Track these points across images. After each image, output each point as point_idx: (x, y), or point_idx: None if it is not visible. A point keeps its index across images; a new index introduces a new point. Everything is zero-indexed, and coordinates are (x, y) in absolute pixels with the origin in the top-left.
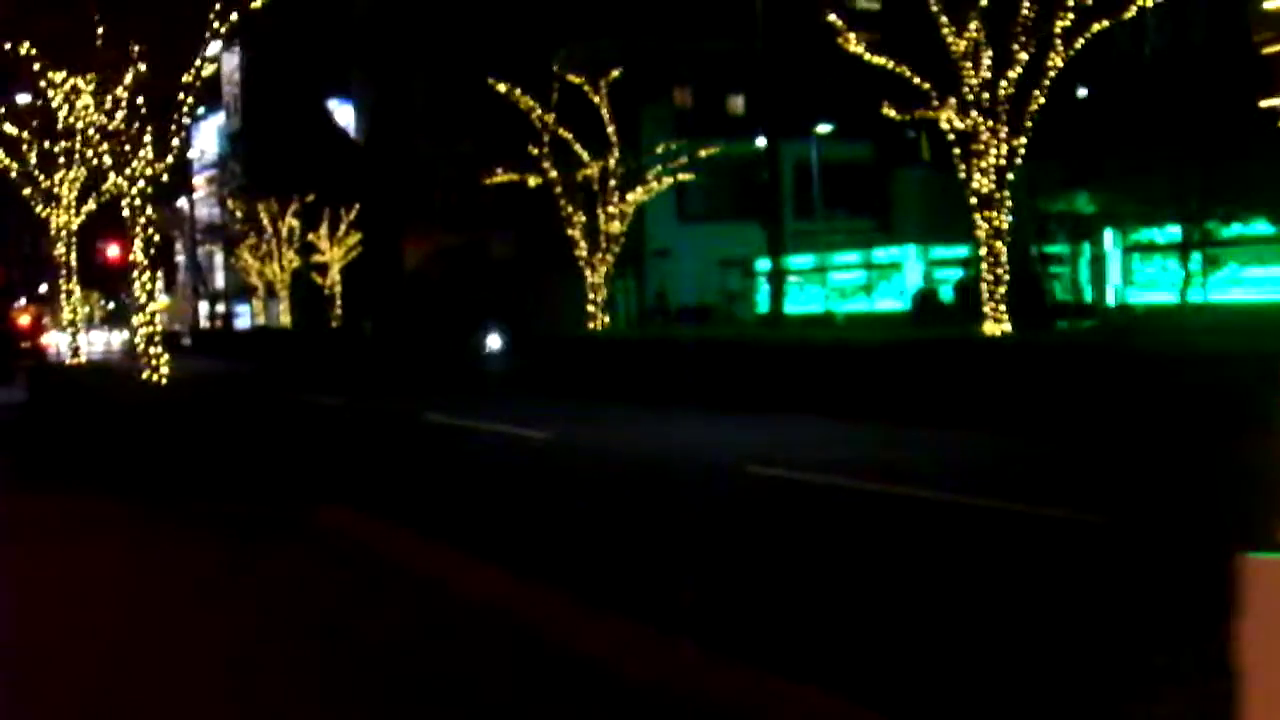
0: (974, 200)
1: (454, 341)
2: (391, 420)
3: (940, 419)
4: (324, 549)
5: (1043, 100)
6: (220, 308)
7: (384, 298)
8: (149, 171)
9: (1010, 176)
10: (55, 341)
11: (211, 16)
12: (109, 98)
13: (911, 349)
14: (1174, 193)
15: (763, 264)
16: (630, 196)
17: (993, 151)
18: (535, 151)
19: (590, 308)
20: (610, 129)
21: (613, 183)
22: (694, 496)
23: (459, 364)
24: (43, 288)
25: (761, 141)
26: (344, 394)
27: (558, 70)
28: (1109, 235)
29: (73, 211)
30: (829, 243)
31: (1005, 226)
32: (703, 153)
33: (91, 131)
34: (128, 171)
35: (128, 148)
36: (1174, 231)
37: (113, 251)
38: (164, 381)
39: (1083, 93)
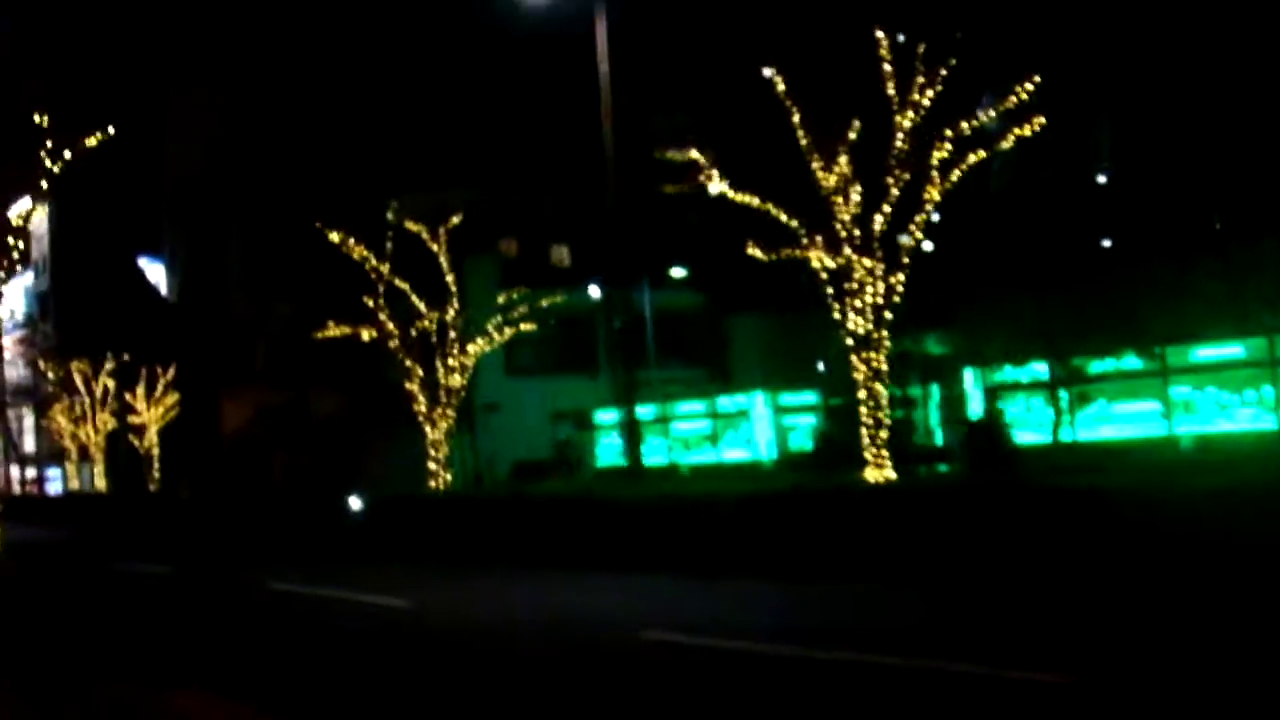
0: (850, 341)
1: (284, 503)
2: (231, 590)
3: (821, 572)
4: None
5: (920, 235)
6: (31, 472)
7: (203, 459)
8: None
9: (888, 315)
10: None
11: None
12: None
13: (791, 500)
14: (1039, 329)
15: (603, 415)
16: (471, 348)
17: (869, 289)
18: (370, 303)
19: (431, 464)
20: (450, 278)
21: (452, 334)
22: (596, 675)
23: (290, 526)
24: None
25: (593, 292)
26: (169, 561)
27: (392, 219)
28: (968, 375)
29: None
30: (665, 393)
31: (884, 368)
32: (544, 302)
33: None
34: None
35: None
36: (1039, 369)
37: None
38: None
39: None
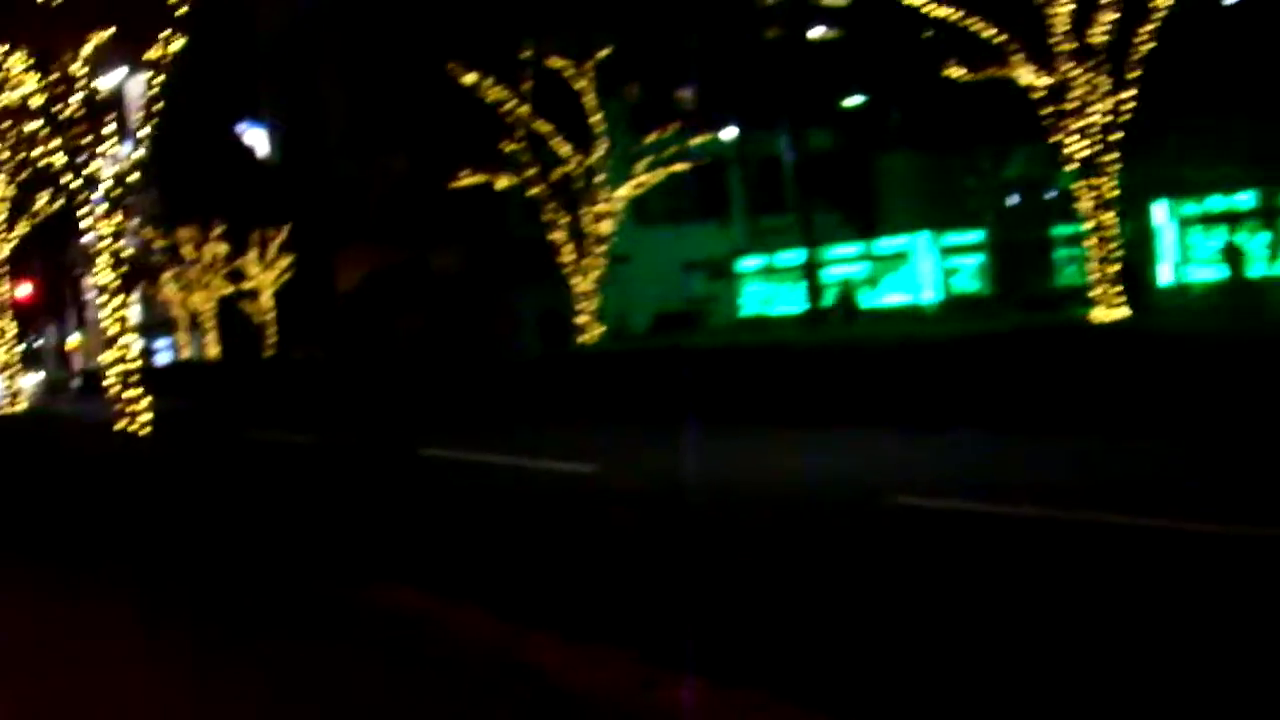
0: (1074, 167)
1: (411, 364)
2: (387, 460)
3: (1047, 423)
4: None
5: (1153, 44)
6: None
7: (320, 322)
8: (113, 170)
9: (1118, 136)
10: None
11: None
12: (58, 76)
13: (1010, 341)
14: (1252, 155)
15: (746, 262)
16: (621, 191)
17: (1095, 108)
18: (511, 148)
19: (581, 318)
20: (596, 118)
21: (601, 177)
22: (859, 551)
23: (423, 388)
24: None
25: (727, 134)
26: (308, 429)
27: (529, 58)
28: (1160, 207)
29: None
30: (797, 239)
31: (1114, 195)
32: (695, 141)
33: (38, 124)
34: (88, 171)
35: (88, 139)
36: (1243, 200)
37: (22, 291)
38: (144, 431)
39: None
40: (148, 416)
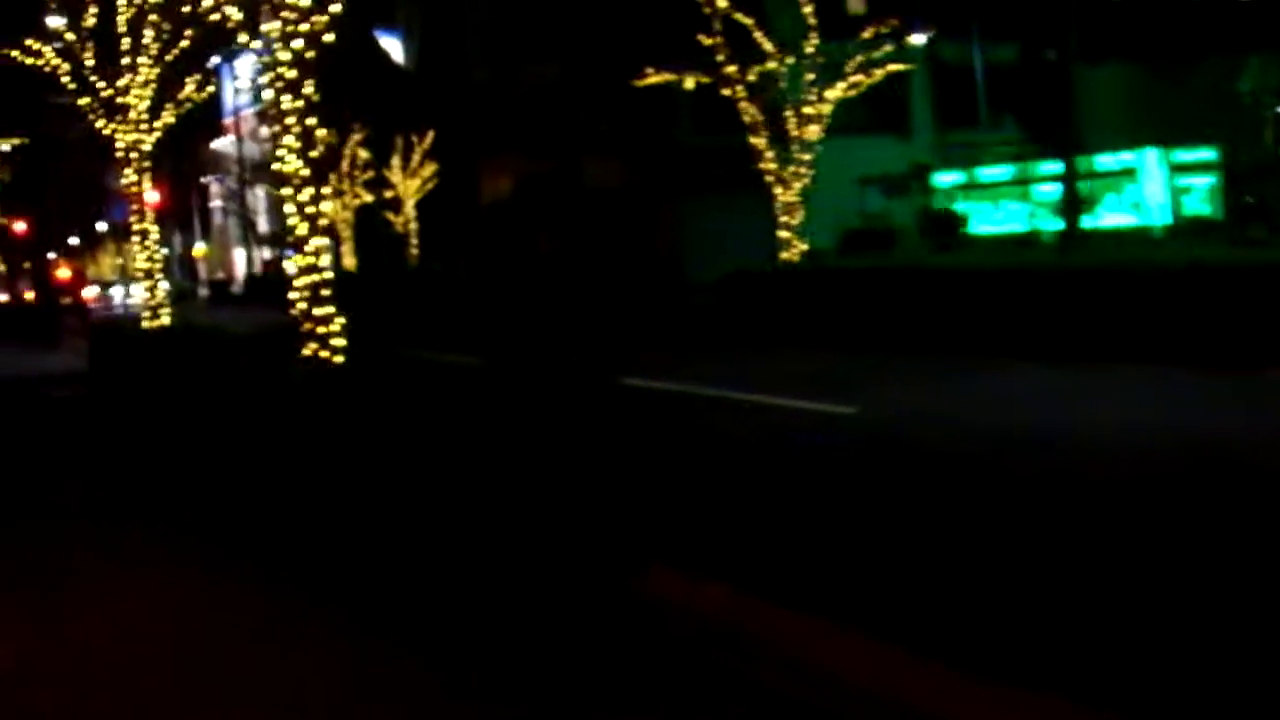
0: None
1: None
2: (587, 389)
3: None
4: None
5: None
6: (268, 253)
7: (462, 234)
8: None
9: None
10: (99, 296)
11: None
12: None
13: None
14: None
15: (942, 177)
16: (830, 94)
17: None
18: (708, 42)
19: (783, 233)
20: (808, 8)
21: (810, 76)
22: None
23: (597, 308)
24: (73, 240)
25: (917, 39)
26: (469, 349)
27: None
28: None
29: (145, 127)
30: (1000, 154)
31: None
32: (911, 40)
33: None
34: (269, 28)
35: None
36: None
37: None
38: (337, 359)
39: None
40: (341, 342)
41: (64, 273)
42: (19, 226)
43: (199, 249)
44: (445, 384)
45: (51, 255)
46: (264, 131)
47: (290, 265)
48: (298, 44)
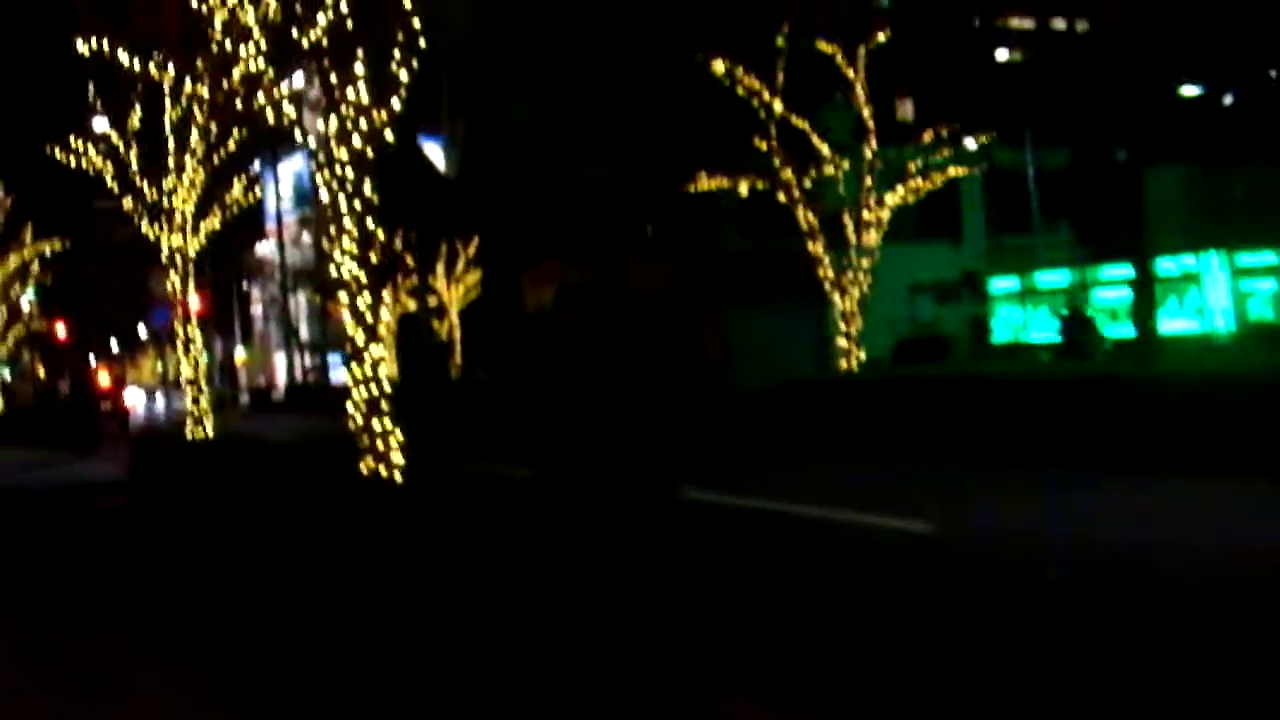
0: None
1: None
2: (646, 503)
3: None
4: None
5: None
6: (308, 360)
7: (506, 342)
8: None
9: None
10: (137, 402)
11: None
12: None
13: None
14: None
15: (1000, 282)
16: (889, 199)
17: None
18: (764, 146)
19: (841, 340)
20: (866, 112)
21: (869, 182)
22: None
23: (640, 417)
24: (113, 346)
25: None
26: (519, 459)
27: (782, 44)
28: None
29: (190, 231)
30: (1054, 259)
31: None
32: (970, 142)
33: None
34: (334, 121)
35: (333, 78)
36: None
37: (195, 304)
38: (397, 477)
39: None
40: (400, 460)
41: (104, 378)
42: (59, 330)
43: (240, 355)
44: (503, 502)
45: (92, 359)
46: (305, 238)
47: (346, 375)
48: (357, 142)
